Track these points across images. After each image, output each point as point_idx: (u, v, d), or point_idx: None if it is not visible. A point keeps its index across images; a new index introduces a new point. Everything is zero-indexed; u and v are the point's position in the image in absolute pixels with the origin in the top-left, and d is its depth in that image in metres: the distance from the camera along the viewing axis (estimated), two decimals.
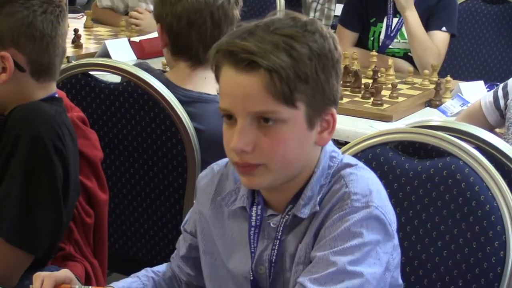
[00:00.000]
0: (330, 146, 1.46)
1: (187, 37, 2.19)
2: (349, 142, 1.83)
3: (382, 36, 3.24)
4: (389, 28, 3.19)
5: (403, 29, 3.14)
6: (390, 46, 3.22)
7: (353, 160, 1.49)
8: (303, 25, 1.38)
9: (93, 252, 1.97)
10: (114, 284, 1.57)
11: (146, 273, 1.63)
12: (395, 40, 3.20)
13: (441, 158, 1.67)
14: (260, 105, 1.33)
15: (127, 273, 1.71)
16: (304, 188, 1.44)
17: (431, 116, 2.65)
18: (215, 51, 1.38)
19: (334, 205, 1.41)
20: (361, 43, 3.27)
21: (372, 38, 3.25)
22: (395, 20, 3.20)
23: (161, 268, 1.65)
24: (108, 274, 2.12)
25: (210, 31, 2.24)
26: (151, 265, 1.66)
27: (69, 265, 1.81)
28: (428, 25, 3.25)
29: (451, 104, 2.69)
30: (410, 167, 1.69)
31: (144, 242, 2.34)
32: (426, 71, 2.95)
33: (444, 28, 3.16)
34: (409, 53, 3.29)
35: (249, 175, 1.40)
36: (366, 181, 1.43)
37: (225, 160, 1.51)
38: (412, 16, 3.04)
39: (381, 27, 3.21)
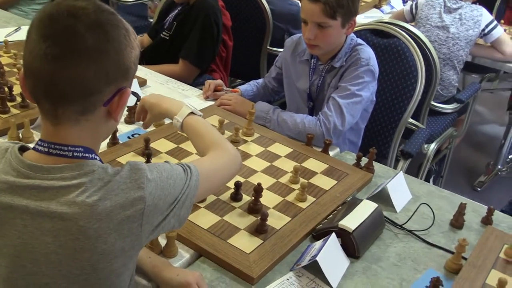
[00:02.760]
0: (351, 34, 1.91)
1: None
2: None
3: None
4: None
5: None
6: None
7: (362, 41, 1.93)
8: None
9: (223, 68, 2.66)
10: (238, 87, 2.13)
11: (252, 82, 2.19)
12: None
13: (391, 38, 2.31)
14: (319, 19, 1.79)
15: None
16: (338, 53, 1.88)
17: (376, 13, 3.66)
18: None
19: (352, 63, 1.85)
20: None
21: None
22: None
23: (260, 80, 2.20)
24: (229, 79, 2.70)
25: None
26: (255, 78, 2.23)
27: (213, 74, 2.53)
28: None
29: (385, 8, 3.81)
30: (377, 41, 2.32)
31: (248, 65, 3.05)
32: None
33: None
34: None
35: (311, 48, 1.88)
36: (368, 52, 1.87)
37: (299, 35, 2.00)
38: None
39: None
